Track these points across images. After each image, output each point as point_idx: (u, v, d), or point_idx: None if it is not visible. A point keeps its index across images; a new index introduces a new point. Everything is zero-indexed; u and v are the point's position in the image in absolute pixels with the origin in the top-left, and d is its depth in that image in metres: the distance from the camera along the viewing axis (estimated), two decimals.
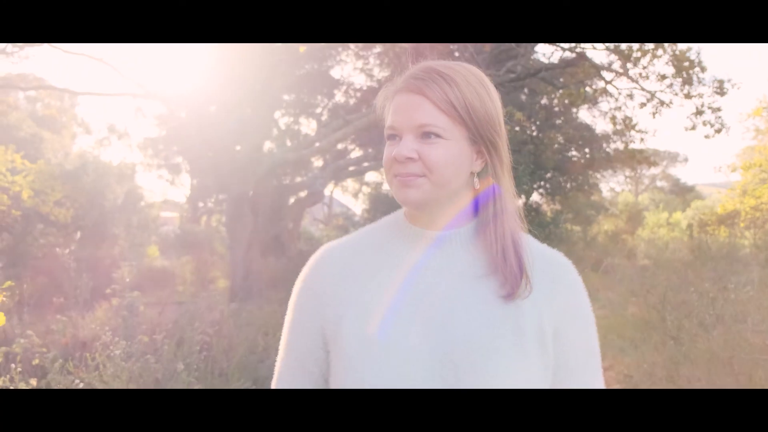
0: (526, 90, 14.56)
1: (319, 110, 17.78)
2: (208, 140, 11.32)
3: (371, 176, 22.68)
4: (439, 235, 1.13)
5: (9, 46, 10.99)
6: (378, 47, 13.20)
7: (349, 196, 31.30)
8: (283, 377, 1.19)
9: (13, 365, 3.46)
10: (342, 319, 1.11)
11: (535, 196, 15.74)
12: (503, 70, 9.37)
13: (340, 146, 15.24)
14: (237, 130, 10.48)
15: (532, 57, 11.73)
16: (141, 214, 19.03)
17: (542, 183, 15.66)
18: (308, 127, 18.47)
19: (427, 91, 1.06)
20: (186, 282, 13.05)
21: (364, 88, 16.76)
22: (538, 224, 14.02)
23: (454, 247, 1.13)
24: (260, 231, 11.42)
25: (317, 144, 10.98)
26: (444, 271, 1.11)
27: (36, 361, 4.02)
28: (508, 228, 1.11)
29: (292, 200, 14.13)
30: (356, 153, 17.42)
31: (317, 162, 16.98)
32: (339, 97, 17.57)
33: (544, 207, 16.10)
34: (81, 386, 3.21)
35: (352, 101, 17.02)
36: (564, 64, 10.39)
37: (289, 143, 15.60)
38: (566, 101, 12.54)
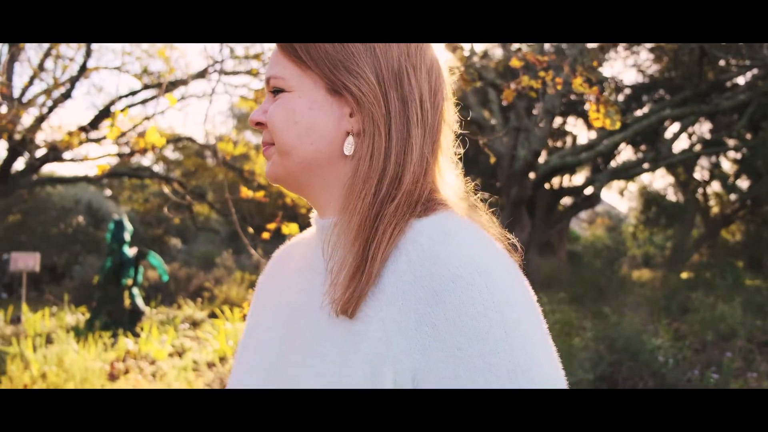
0: None
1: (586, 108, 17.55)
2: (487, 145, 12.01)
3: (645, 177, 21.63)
4: (321, 224, 0.85)
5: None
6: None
7: (613, 194, 30.17)
8: None
9: None
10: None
11: None
12: None
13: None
14: (514, 135, 11.02)
15: None
16: None
17: None
18: (573, 125, 18.37)
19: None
20: None
21: (635, 84, 16.21)
22: None
23: (326, 240, 0.80)
24: (536, 233, 11.84)
25: (601, 145, 11.04)
26: (309, 271, 0.84)
27: None
28: (353, 209, 0.75)
29: (567, 202, 14.27)
30: (627, 152, 16.92)
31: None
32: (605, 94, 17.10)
33: None
34: None
35: (621, 98, 16.54)
36: None
37: (561, 146, 15.77)
38: None
